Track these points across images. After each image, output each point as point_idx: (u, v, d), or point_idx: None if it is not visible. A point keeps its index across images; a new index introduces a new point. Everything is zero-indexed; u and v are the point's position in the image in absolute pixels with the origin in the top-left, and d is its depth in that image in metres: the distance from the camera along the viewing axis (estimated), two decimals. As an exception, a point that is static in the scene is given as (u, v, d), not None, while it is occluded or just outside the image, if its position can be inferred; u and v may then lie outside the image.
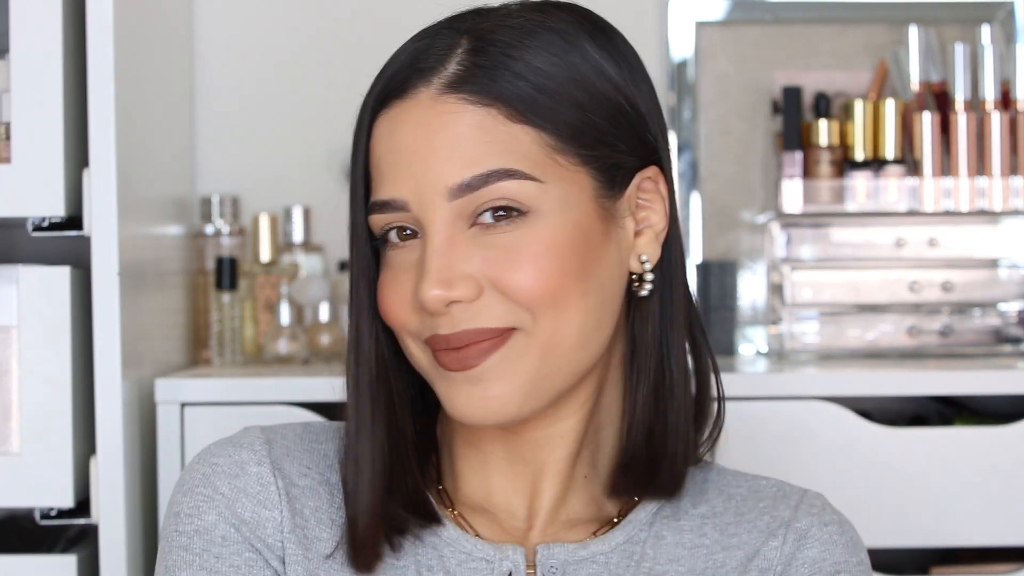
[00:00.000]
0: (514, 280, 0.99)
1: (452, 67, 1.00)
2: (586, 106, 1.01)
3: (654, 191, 1.06)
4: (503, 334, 1.00)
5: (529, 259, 0.99)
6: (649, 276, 1.06)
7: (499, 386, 1.00)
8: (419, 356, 1.03)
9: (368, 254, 1.04)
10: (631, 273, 1.06)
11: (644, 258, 1.05)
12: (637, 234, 1.05)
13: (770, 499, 1.10)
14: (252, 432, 1.08)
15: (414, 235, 1.02)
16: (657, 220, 1.06)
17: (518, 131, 0.99)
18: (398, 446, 1.05)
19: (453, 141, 0.99)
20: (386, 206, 1.01)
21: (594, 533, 1.08)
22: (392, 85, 1.02)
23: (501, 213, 0.99)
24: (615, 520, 1.09)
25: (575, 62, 1.01)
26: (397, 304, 1.02)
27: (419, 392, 1.09)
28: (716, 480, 1.12)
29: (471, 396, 1.00)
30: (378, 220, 1.02)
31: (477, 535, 1.06)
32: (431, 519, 1.05)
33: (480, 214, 0.99)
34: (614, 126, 1.02)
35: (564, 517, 1.08)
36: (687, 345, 1.09)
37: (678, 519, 1.09)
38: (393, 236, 1.02)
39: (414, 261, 1.01)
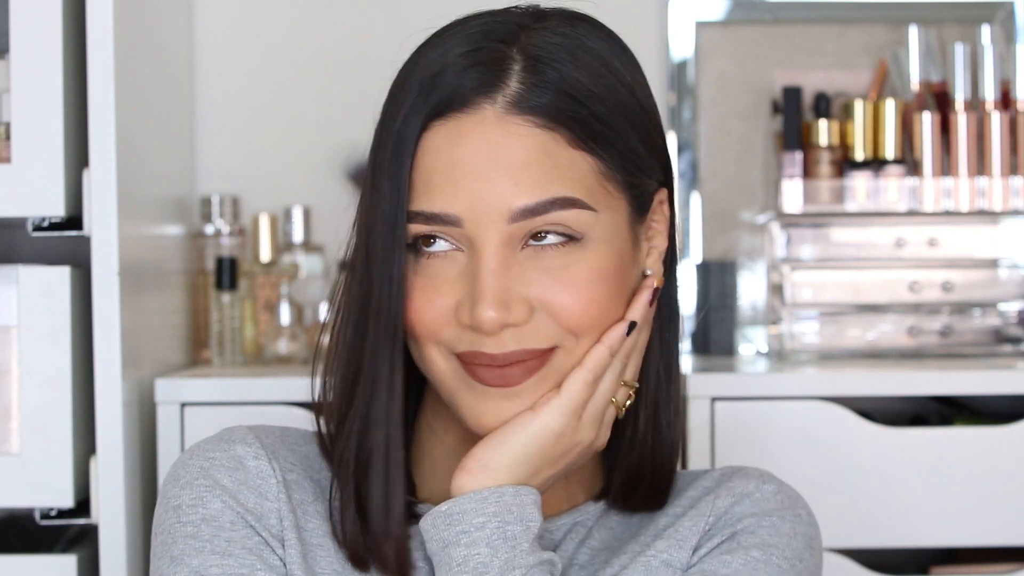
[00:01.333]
0: (567, 305, 1.00)
1: (513, 85, 0.99)
2: (629, 133, 1.02)
3: (660, 212, 1.08)
4: (546, 353, 1.01)
5: (582, 285, 1.00)
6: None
7: (532, 401, 1.01)
8: (443, 366, 1.02)
9: (403, 261, 1.01)
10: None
11: (648, 273, 1.07)
12: (646, 253, 1.07)
13: (713, 479, 1.11)
14: (239, 430, 1.08)
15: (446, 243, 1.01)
16: (661, 240, 1.08)
17: (578, 158, 1.00)
18: (405, 444, 1.06)
19: (519, 164, 0.98)
20: (434, 218, 0.99)
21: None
22: (452, 95, 1.00)
23: (552, 238, 1.00)
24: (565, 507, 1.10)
25: (615, 85, 1.02)
26: (433, 314, 1.01)
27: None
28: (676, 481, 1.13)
29: (503, 410, 1.01)
30: (417, 228, 1.00)
31: None
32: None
33: (533, 236, 0.99)
34: (649, 152, 1.04)
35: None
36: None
37: (630, 516, 1.10)
38: (426, 246, 1.01)
39: (455, 272, 1.00)
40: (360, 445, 1.03)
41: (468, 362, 1.01)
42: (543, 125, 0.99)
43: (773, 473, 1.11)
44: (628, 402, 1.06)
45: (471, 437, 1.06)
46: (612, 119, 1.01)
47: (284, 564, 1.03)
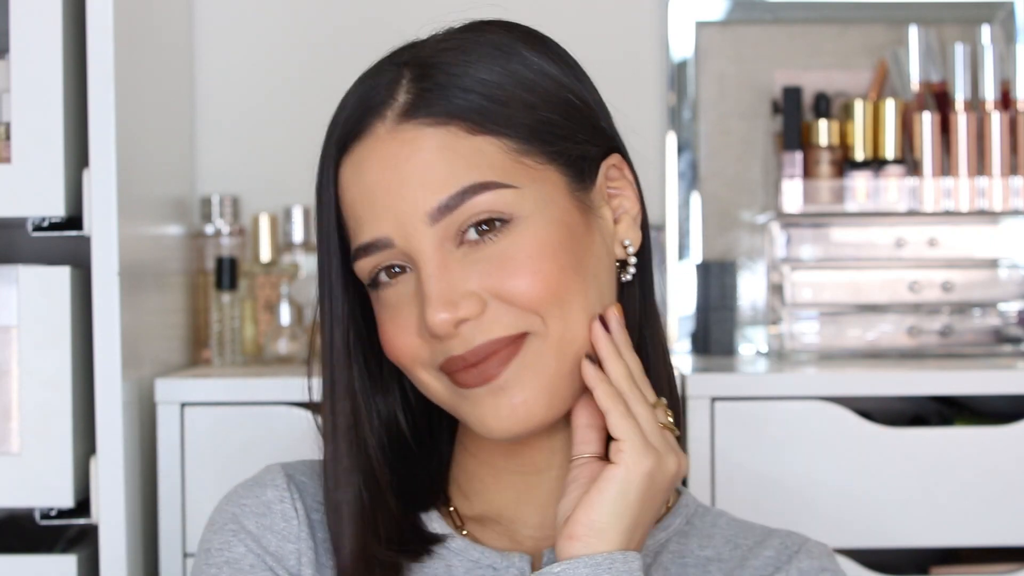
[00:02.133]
0: (516, 287, 0.99)
1: (402, 97, 1.01)
2: (537, 105, 1.02)
3: (621, 178, 1.07)
4: (516, 340, 1.00)
5: (525, 263, 0.99)
6: (633, 260, 1.07)
7: (523, 392, 1.00)
8: (436, 387, 1.03)
9: (345, 304, 1.05)
10: (616, 260, 1.07)
11: (627, 243, 1.07)
12: (616, 221, 1.07)
13: (774, 548, 1.10)
14: (274, 470, 1.10)
15: (403, 270, 1.02)
16: (631, 205, 1.08)
17: (480, 143, 1.00)
18: (375, 490, 1.07)
19: (421, 167, 0.99)
20: (370, 248, 1.01)
21: None
22: (347, 129, 1.02)
23: (484, 227, 1.00)
24: None
25: (516, 68, 1.02)
26: (404, 338, 1.02)
27: (422, 414, 1.10)
28: (725, 529, 1.13)
29: (498, 408, 1.01)
30: (365, 264, 1.02)
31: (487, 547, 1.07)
32: (426, 544, 1.06)
33: (465, 231, 1.00)
34: (568, 119, 1.03)
35: None
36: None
37: (683, 557, 1.10)
38: (383, 276, 1.03)
39: (411, 293, 1.01)
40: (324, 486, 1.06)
41: (449, 371, 1.01)
42: (434, 123, 1.00)
43: (828, 548, 1.12)
44: (670, 418, 1.04)
45: (500, 448, 1.07)
46: (514, 98, 1.01)
47: None
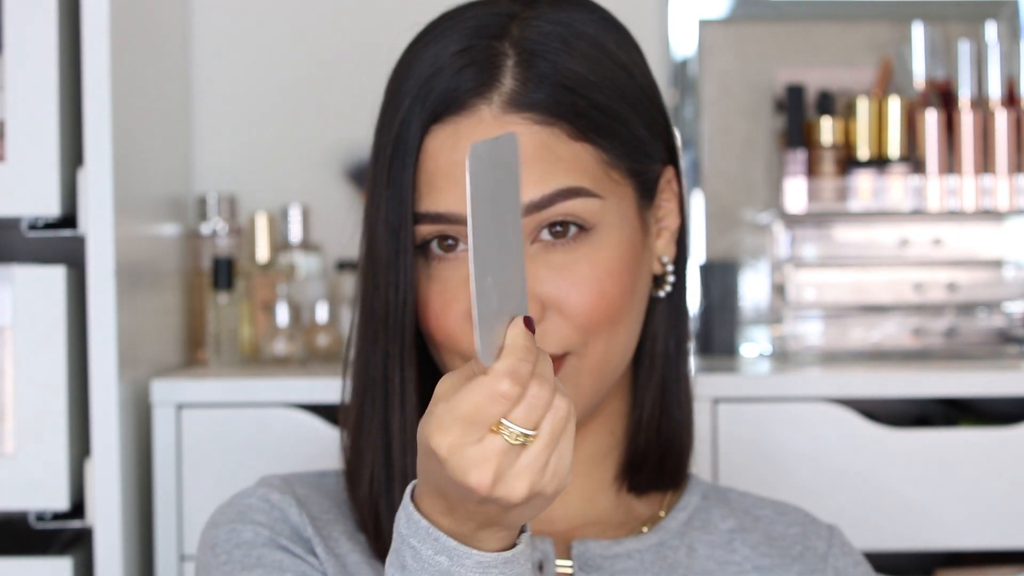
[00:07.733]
0: (578, 303, 0.98)
1: (508, 82, 0.99)
2: (630, 118, 1.02)
3: (669, 190, 1.07)
4: (558, 361, 0.99)
5: (592, 282, 0.99)
6: (671, 278, 1.07)
7: None
8: None
9: (410, 267, 1.00)
10: (652, 274, 1.06)
11: (665, 260, 1.07)
12: (657, 236, 1.06)
13: (799, 526, 1.11)
14: (270, 478, 1.09)
15: (456, 243, 1.00)
16: (672, 220, 1.07)
17: (579, 149, 0.99)
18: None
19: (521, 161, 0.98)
20: (440, 219, 0.99)
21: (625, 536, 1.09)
22: (447, 98, 0.99)
23: (559, 229, 0.99)
24: (644, 529, 1.09)
25: (612, 70, 1.01)
26: (450, 319, 1.00)
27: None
28: (739, 500, 1.13)
29: None
30: (422, 230, 1.00)
31: None
32: None
33: (541, 230, 0.99)
34: (652, 134, 1.03)
35: (594, 518, 1.08)
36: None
37: (708, 532, 1.10)
38: (435, 247, 1.00)
39: (467, 276, 0.99)
40: (384, 460, 1.03)
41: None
42: (541, 121, 0.98)
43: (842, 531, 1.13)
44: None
45: None
46: (612, 107, 1.00)
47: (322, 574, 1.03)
